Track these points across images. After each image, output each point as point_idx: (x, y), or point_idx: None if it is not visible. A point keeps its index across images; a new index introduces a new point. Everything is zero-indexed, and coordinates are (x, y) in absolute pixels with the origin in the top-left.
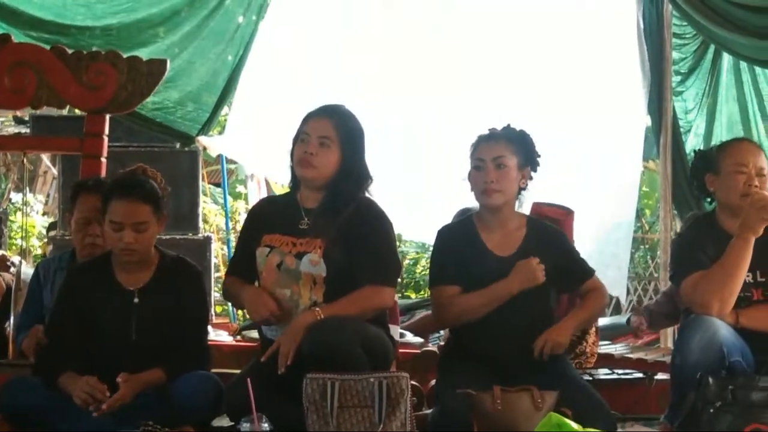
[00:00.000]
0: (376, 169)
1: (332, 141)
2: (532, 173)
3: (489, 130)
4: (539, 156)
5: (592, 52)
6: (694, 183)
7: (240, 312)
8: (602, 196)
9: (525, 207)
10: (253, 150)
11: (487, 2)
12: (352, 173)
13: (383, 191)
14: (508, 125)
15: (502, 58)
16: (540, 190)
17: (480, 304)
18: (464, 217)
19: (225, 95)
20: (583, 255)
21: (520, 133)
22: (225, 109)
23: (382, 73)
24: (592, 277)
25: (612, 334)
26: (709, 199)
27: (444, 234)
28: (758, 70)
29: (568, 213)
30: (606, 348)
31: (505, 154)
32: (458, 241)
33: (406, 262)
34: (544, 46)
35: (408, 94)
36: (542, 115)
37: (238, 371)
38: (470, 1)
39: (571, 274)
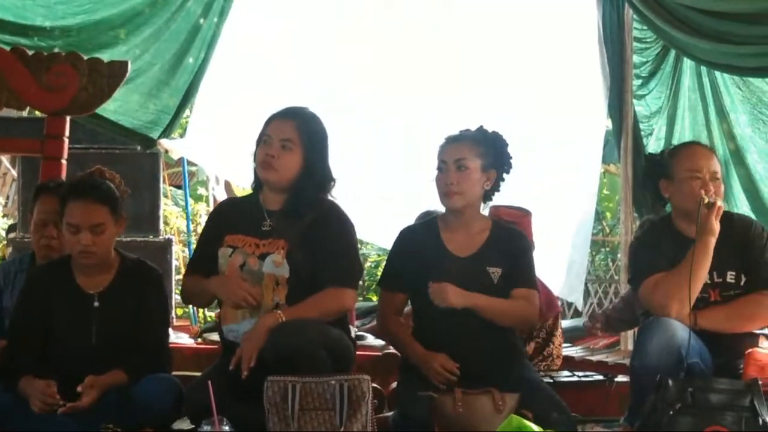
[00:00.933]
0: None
1: (294, 143)
2: (505, 175)
3: (460, 131)
4: (510, 158)
5: (552, 56)
6: (649, 188)
7: (201, 314)
8: (561, 200)
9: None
10: (215, 153)
11: (452, 4)
12: (315, 175)
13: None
14: (481, 126)
15: (462, 60)
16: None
17: (400, 348)
18: (429, 219)
19: (187, 98)
20: (540, 259)
21: (491, 135)
22: (187, 112)
23: (361, 73)
24: (530, 289)
25: (573, 336)
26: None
27: (404, 235)
28: (718, 73)
29: (525, 214)
30: (567, 350)
31: (467, 156)
32: (418, 243)
33: (368, 264)
34: (505, 48)
35: (377, 96)
36: (503, 116)
37: (199, 374)
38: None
39: (513, 276)
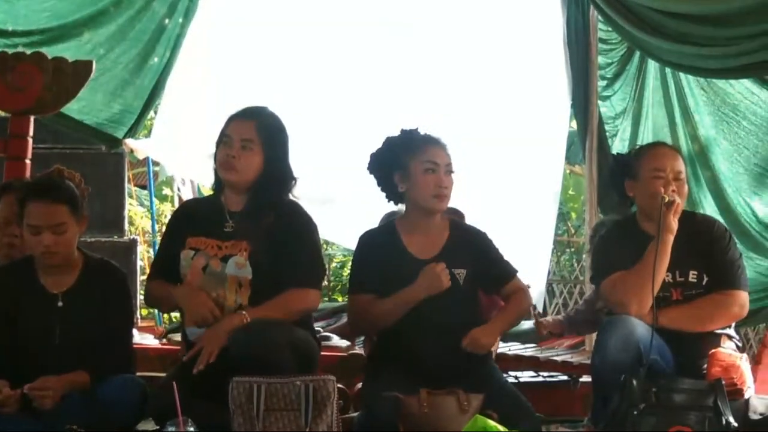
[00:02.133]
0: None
1: (254, 143)
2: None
3: (414, 131)
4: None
5: (517, 57)
6: (614, 188)
7: (166, 315)
8: (524, 200)
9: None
10: (181, 152)
11: (411, 7)
12: (276, 175)
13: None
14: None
15: (428, 61)
16: (465, 194)
17: (388, 310)
18: (387, 223)
19: (152, 98)
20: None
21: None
22: (153, 112)
23: (326, 74)
24: (514, 279)
25: (537, 337)
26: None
27: (365, 240)
28: (682, 75)
29: (457, 215)
30: (531, 351)
31: (452, 161)
32: (379, 248)
33: (333, 265)
34: (470, 49)
35: (341, 96)
36: (467, 118)
37: (163, 374)
38: (399, 8)
39: (492, 276)
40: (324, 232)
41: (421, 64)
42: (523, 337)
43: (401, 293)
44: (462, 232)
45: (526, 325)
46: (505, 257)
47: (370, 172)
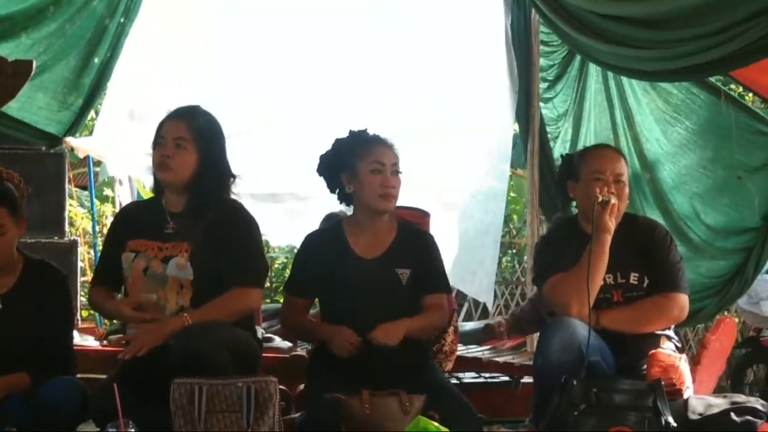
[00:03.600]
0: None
1: (188, 142)
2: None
3: (359, 132)
4: None
5: (460, 58)
6: (559, 189)
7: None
8: (471, 202)
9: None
10: (122, 150)
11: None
12: (213, 173)
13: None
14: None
15: (367, 64)
16: (409, 194)
17: (303, 330)
18: (333, 223)
19: (92, 97)
20: (450, 260)
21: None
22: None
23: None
24: (441, 294)
25: (480, 338)
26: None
27: (309, 240)
28: (623, 77)
29: (424, 215)
30: (473, 352)
31: (398, 161)
32: (324, 247)
33: (276, 266)
34: (412, 52)
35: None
36: (412, 119)
37: (104, 376)
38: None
39: (423, 281)
40: (267, 233)
41: (366, 67)
42: (465, 339)
43: (317, 327)
44: (410, 232)
45: (468, 326)
46: (445, 271)
47: (319, 174)
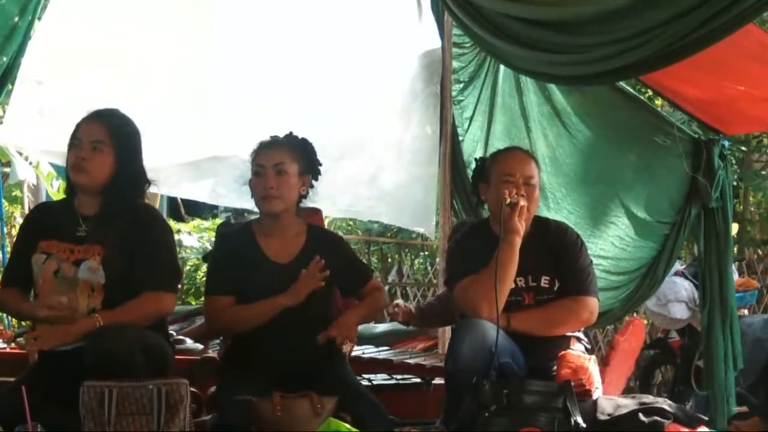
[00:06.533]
0: None
1: (105, 144)
2: (313, 181)
3: (270, 137)
4: (320, 164)
5: (374, 58)
6: (473, 191)
7: (15, 320)
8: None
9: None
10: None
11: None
12: (128, 177)
13: None
14: (290, 133)
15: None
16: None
17: (247, 317)
18: (244, 223)
19: None
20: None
21: (302, 140)
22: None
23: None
24: (372, 279)
25: (392, 339)
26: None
27: (223, 239)
28: (532, 80)
29: (315, 212)
30: (385, 354)
31: (285, 160)
32: (237, 248)
33: (187, 268)
34: (325, 53)
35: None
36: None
37: (12, 379)
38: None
39: (352, 279)
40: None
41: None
42: (376, 341)
43: (262, 303)
44: (319, 236)
45: (380, 328)
46: (362, 262)
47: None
